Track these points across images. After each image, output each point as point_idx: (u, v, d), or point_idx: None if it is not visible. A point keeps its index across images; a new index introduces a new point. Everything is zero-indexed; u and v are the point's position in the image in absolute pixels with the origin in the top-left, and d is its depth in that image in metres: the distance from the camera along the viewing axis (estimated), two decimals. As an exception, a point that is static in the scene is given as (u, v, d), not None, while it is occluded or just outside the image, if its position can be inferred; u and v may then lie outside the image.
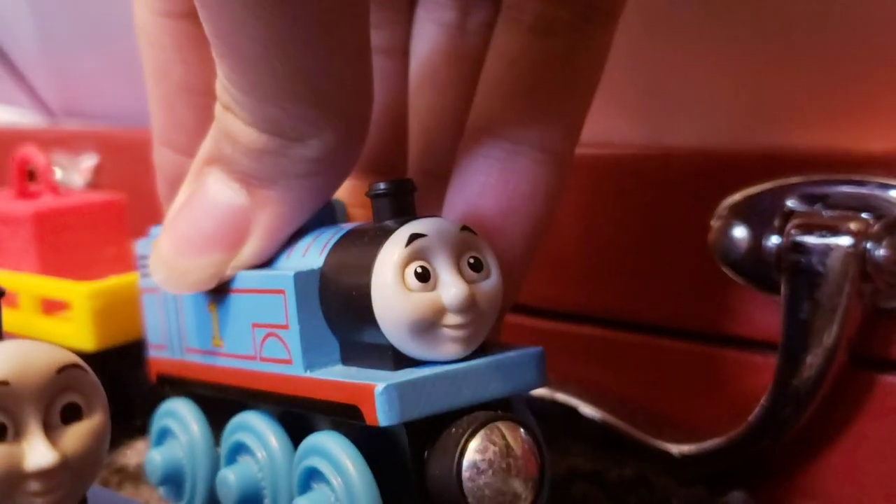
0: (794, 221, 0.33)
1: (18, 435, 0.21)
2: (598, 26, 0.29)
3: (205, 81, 0.31)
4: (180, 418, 0.33)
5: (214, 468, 0.32)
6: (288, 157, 0.26)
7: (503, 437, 0.25)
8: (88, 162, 0.58)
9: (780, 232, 0.33)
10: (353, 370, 0.27)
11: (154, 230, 0.33)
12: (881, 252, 0.31)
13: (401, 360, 0.26)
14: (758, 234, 0.34)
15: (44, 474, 0.21)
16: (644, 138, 0.39)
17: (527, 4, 0.29)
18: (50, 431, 0.22)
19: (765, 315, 0.35)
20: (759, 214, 0.34)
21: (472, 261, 0.26)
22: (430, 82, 0.33)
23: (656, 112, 0.39)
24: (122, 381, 0.40)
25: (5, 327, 0.23)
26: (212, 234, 0.28)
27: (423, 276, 0.25)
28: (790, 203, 0.34)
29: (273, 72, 0.24)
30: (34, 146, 0.45)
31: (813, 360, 0.33)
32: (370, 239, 0.26)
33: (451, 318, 0.25)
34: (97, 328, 0.39)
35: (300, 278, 0.27)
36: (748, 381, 0.36)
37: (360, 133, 0.27)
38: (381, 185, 0.26)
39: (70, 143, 0.59)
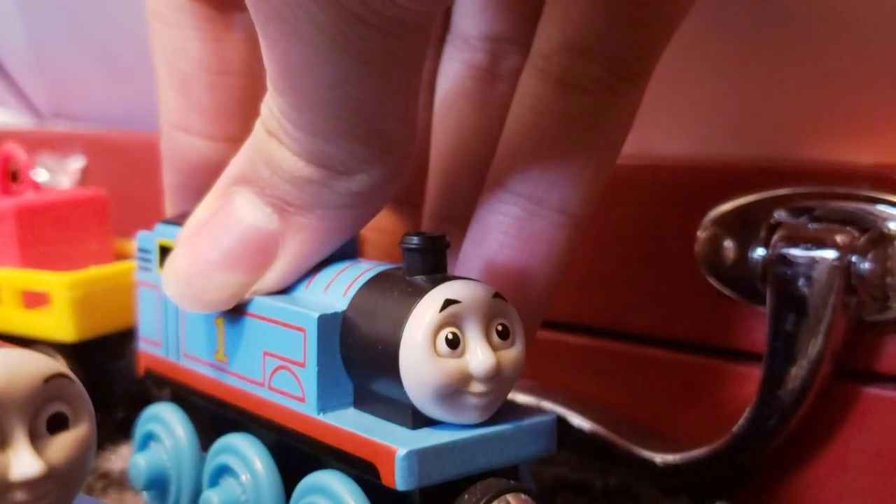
0: (781, 233, 0.33)
1: (4, 444, 0.21)
2: (627, 84, 0.28)
3: (223, 61, 0.32)
4: (165, 423, 0.32)
5: (200, 473, 0.32)
6: (331, 188, 0.26)
7: None
8: (76, 164, 0.58)
9: (767, 244, 0.34)
10: (369, 420, 0.27)
11: (160, 226, 0.32)
12: (866, 265, 0.32)
13: (419, 420, 0.26)
14: (744, 245, 0.34)
15: (29, 484, 0.21)
16: (633, 149, 0.39)
17: (555, 56, 0.28)
18: (36, 441, 0.21)
19: (750, 326, 0.35)
20: (746, 226, 0.34)
21: (500, 328, 0.26)
22: (454, 125, 0.33)
23: (645, 123, 0.39)
24: (103, 372, 0.40)
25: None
26: (235, 255, 0.28)
27: (454, 343, 0.25)
28: (777, 215, 0.34)
29: (333, 112, 0.25)
30: (17, 144, 0.45)
31: (798, 372, 0.33)
32: (401, 294, 0.26)
33: (476, 386, 0.25)
34: (77, 319, 0.39)
35: (324, 321, 0.27)
36: (733, 392, 0.36)
37: (403, 170, 0.27)
38: (415, 240, 0.26)
39: (58, 145, 0.59)
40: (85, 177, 0.58)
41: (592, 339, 0.40)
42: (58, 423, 0.22)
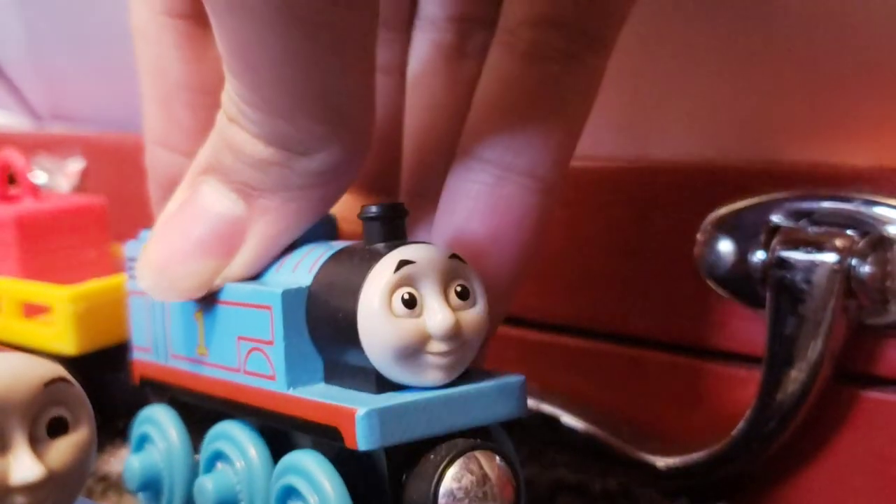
0: (780, 237, 0.33)
1: (4, 448, 0.21)
2: (592, 54, 0.29)
3: (203, 80, 0.32)
4: (159, 425, 0.33)
5: (192, 475, 0.32)
6: (292, 169, 0.26)
7: (480, 465, 0.25)
8: (75, 166, 0.58)
9: (766, 247, 0.34)
10: (336, 390, 0.27)
11: (144, 233, 0.33)
12: (866, 269, 0.32)
13: (383, 384, 0.26)
14: (743, 248, 0.34)
15: (29, 488, 0.21)
16: (631, 152, 0.40)
17: (521, 30, 0.29)
18: (36, 445, 0.21)
19: (750, 329, 0.35)
20: (745, 229, 0.34)
21: (459, 289, 0.26)
22: (426, 104, 0.33)
23: (643, 126, 0.39)
24: (104, 384, 0.40)
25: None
26: (204, 242, 0.28)
27: (410, 303, 0.25)
28: (775, 218, 0.34)
29: (287, 89, 0.25)
30: (15, 149, 0.45)
31: (797, 375, 0.33)
32: (359, 261, 0.26)
33: (436, 346, 0.25)
34: (78, 332, 0.39)
35: (288, 296, 0.27)
36: (732, 395, 0.36)
37: (364, 148, 0.27)
38: (373, 209, 0.26)
39: (56, 148, 0.59)
40: (83, 179, 0.58)
41: (591, 342, 0.40)
42: (58, 427, 0.22)
